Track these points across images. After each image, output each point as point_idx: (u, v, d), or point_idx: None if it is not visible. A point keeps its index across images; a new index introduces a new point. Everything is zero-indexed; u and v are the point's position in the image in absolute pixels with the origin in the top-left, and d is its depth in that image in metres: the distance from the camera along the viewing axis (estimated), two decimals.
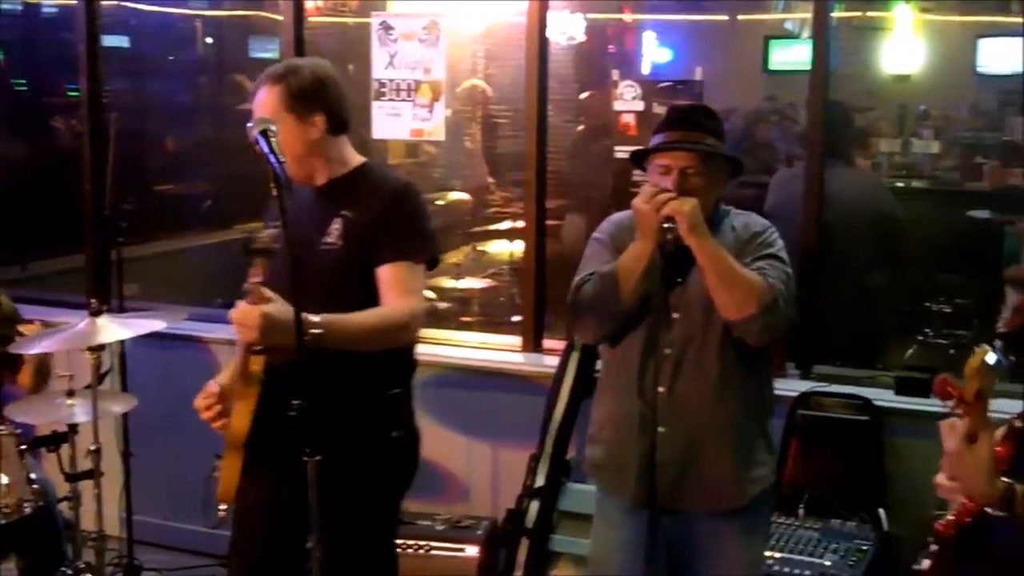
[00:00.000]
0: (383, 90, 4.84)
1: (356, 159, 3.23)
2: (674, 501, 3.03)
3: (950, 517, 2.44)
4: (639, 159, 3.15)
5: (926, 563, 2.52)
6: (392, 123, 4.85)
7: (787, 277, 3.00)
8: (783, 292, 2.95)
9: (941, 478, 2.54)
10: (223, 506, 3.15)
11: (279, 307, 2.81)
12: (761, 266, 2.97)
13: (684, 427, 3.02)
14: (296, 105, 3.07)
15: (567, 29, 5.55)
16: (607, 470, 3.21)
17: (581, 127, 5.33)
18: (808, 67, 4.31)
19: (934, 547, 2.49)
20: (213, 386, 3.09)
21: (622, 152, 4.55)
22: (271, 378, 2.92)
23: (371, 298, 3.04)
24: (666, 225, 2.88)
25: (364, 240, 3.05)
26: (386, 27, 4.86)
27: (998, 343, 2.37)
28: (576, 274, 3.14)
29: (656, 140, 3.05)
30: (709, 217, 2.97)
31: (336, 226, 3.07)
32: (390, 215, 3.07)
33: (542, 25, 4.68)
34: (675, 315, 3.02)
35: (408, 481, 3.28)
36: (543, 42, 4.69)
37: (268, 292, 2.84)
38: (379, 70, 4.86)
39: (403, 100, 4.83)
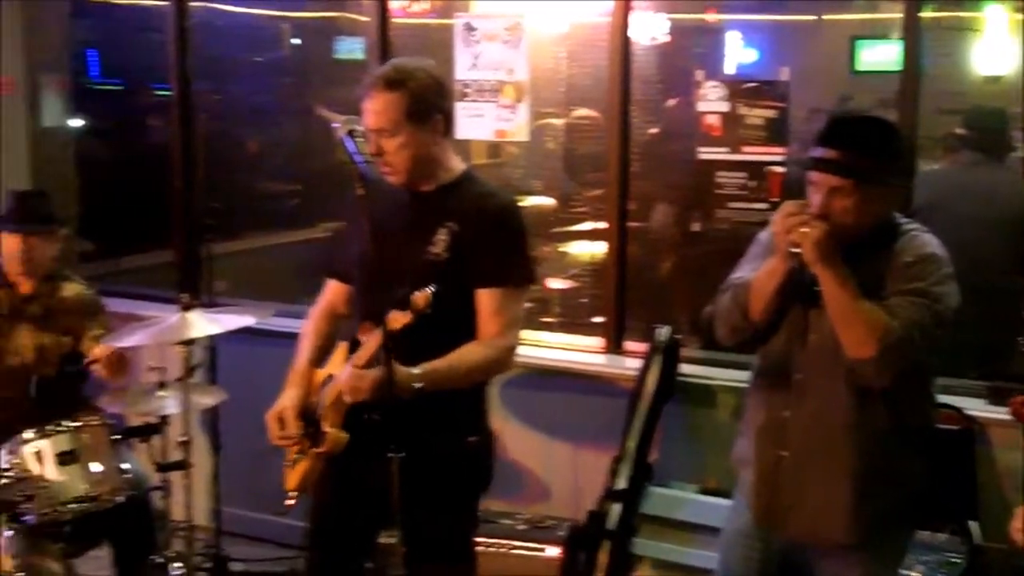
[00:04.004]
0: (466, 91, 4.87)
1: (460, 165, 3.20)
2: (789, 527, 2.97)
3: None
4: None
5: None
6: (475, 124, 4.88)
7: (931, 315, 2.77)
8: (913, 333, 2.73)
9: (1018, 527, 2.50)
10: (292, 495, 3.23)
11: (384, 369, 2.86)
12: (898, 302, 2.77)
13: (805, 455, 2.91)
14: (418, 108, 3.04)
15: (650, 29, 5.52)
16: (744, 467, 3.13)
17: (654, 129, 5.29)
18: (896, 67, 4.27)
19: None
20: (292, 426, 3.18)
21: (706, 154, 4.54)
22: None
23: (467, 314, 3.05)
24: (794, 250, 2.76)
25: (468, 256, 3.03)
26: (469, 28, 4.89)
27: None
28: (734, 271, 3.07)
29: (813, 153, 2.86)
30: (864, 239, 2.81)
31: (442, 236, 3.04)
32: (496, 235, 3.06)
33: (625, 26, 4.68)
34: (812, 336, 2.89)
35: (485, 485, 3.29)
36: (626, 43, 4.69)
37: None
38: (462, 71, 4.88)
39: (486, 101, 4.86)
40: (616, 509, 4.27)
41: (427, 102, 3.05)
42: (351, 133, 2.88)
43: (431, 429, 3.02)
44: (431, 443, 3.01)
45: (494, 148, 5.56)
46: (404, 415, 2.79)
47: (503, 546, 4.26)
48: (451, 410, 3.10)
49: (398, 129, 3.03)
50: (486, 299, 3.04)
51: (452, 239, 3.04)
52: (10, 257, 4.37)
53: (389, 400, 2.81)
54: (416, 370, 2.90)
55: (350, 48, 6.16)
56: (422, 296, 2.81)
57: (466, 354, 3.02)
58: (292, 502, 3.30)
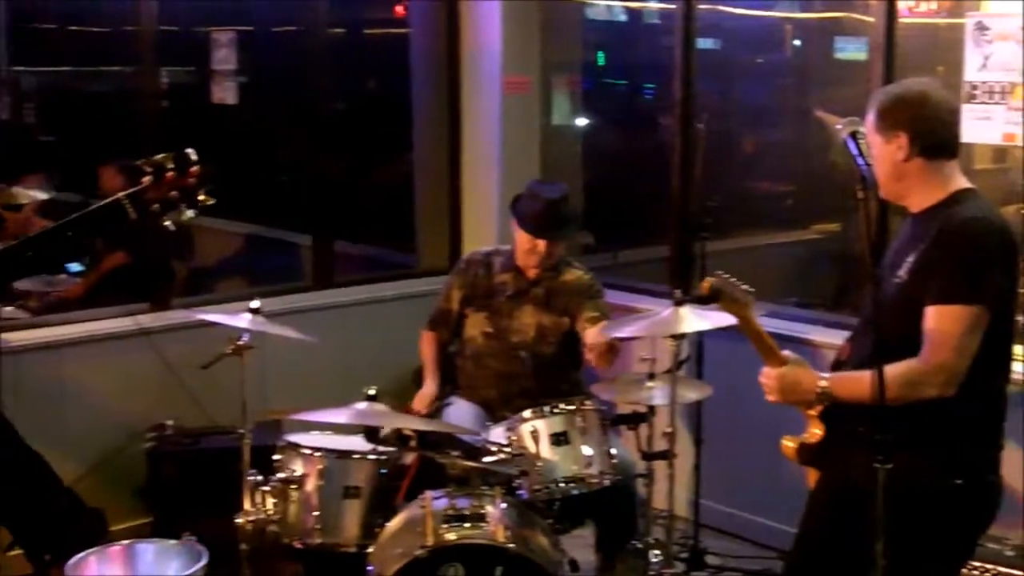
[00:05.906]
0: (974, 92, 4.66)
1: (955, 186, 3.08)
2: None
3: None
4: None
5: None
6: (982, 127, 4.66)
7: None
8: None
9: None
10: None
11: (790, 368, 3.08)
12: None
13: None
14: (880, 124, 3.06)
15: None
16: None
17: None
18: None
19: None
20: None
21: None
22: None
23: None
24: None
25: (920, 276, 2.97)
26: (981, 28, 4.67)
27: None
28: None
29: None
30: None
31: (911, 259, 3.00)
32: (940, 252, 2.95)
33: None
34: None
35: (963, 539, 3.16)
36: None
37: (784, 352, 3.11)
38: (971, 72, 4.68)
39: (995, 103, 4.63)
40: None
41: (888, 117, 3.05)
42: (854, 135, 2.90)
43: (908, 455, 2.88)
44: (906, 470, 2.85)
45: (999, 153, 5.28)
46: (890, 432, 2.73)
47: (988, 570, 4.07)
48: (934, 441, 3.00)
49: (872, 140, 3.05)
50: (927, 316, 2.93)
51: (915, 261, 2.99)
52: (527, 252, 4.67)
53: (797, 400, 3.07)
54: (825, 374, 3.01)
55: (852, 49, 6.08)
56: (704, 283, 3.06)
57: (885, 368, 2.86)
58: None
